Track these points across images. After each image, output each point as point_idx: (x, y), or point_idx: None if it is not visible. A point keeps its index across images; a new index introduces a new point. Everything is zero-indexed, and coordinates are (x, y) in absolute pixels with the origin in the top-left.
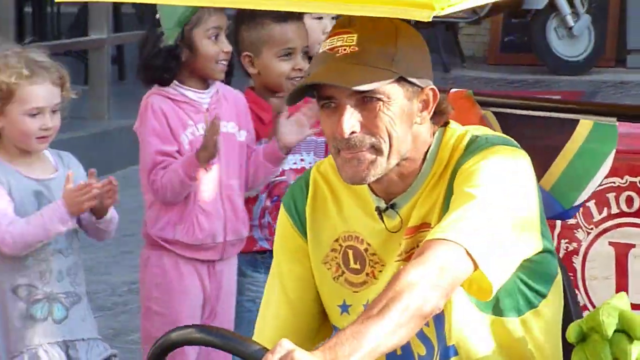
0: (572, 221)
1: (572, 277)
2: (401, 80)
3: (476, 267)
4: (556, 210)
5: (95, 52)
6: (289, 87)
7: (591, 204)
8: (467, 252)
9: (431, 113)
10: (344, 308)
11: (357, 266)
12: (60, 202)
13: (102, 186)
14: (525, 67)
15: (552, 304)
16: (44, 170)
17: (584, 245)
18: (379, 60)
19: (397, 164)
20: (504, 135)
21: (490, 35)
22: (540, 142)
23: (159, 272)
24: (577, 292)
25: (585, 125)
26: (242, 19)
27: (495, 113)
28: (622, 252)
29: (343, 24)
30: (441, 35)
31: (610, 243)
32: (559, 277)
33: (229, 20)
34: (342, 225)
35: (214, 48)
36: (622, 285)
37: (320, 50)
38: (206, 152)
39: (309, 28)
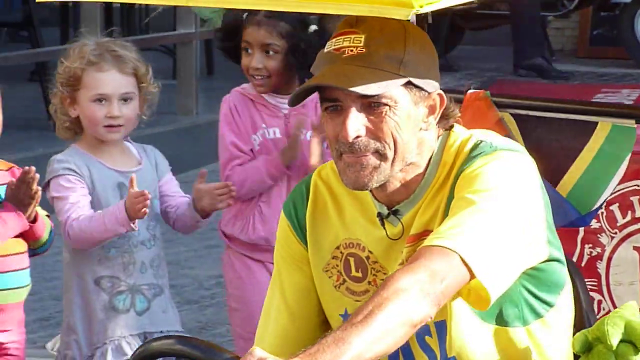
0: (595, 225)
1: (595, 283)
2: (409, 84)
3: (473, 275)
4: (572, 216)
5: (183, 46)
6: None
7: (614, 208)
8: (462, 259)
9: (437, 118)
10: (346, 317)
11: (359, 274)
12: (122, 204)
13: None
14: (614, 61)
15: (561, 314)
16: (127, 163)
17: (608, 250)
18: (386, 63)
19: (401, 170)
20: (510, 140)
21: (579, 29)
22: (559, 144)
23: (229, 268)
24: (602, 298)
25: (603, 127)
26: None
27: (513, 115)
28: None
29: (350, 22)
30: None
31: (635, 248)
32: (568, 287)
33: None
34: (343, 232)
35: None
36: None
37: (326, 50)
38: (290, 152)
39: None
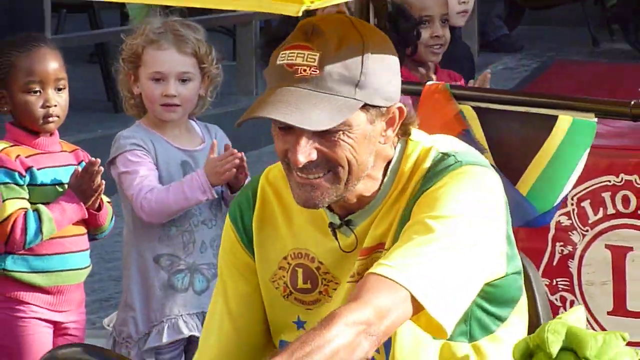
0: (566, 222)
1: (567, 283)
2: (365, 106)
3: (423, 309)
4: (531, 215)
5: (243, 27)
6: (430, 56)
7: (586, 204)
8: (412, 296)
9: (396, 130)
10: (300, 324)
11: (308, 285)
12: (201, 171)
13: (240, 158)
14: None
15: (513, 328)
16: (191, 142)
17: (580, 248)
18: (341, 87)
19: (363, 186)
20: (474, 152)
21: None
22: (519, 139)
23: None
24: (574, 298)
25: (564, 121)
26: None
27: (474, 108)
28: (619, 256)
29: (306, 32)
30: (589, 9)
31: (607, 246)
32: (523, 300)
33: None
34: (291, 241)
35: None
36: (620, 291)
37: (278, 62)
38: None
39: None
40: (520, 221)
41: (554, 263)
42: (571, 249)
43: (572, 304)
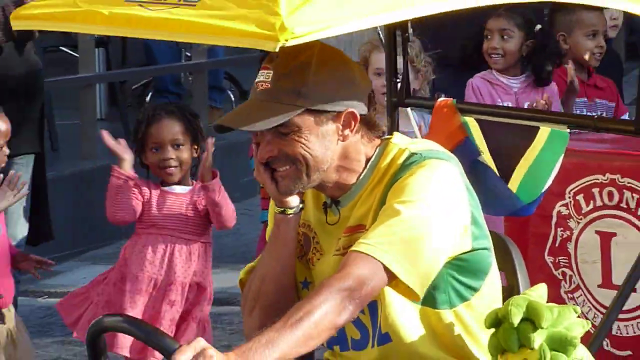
0: (565, 212)
1: (567, 261)
2: (308, 111)
3: (396, 277)
4: (518, 206)
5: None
6: (593, 62)
7: (580, 197)
8: (385, 267)
9: (354, 130)
10: (305, 285)
11: (304, 251)
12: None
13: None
14: None
15: (486, 297)
16: None
17: (575, 233)
18: (285, 96)
19: (336, 173)
20: (441, 149)
21: None
22: (510, 145)
23: None
24: (572, 273)
25: (544, 132)
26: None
27: (477, 120)
28: (606, 240)
29: (271, 57)
30: None
31: (596, 232)
32: (493, 273)
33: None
34: (304, 213)
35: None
36: (607, 269)
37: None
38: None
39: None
40: (510, 211)
41: (556, 245)
42: (569, 234)
43: (570, 278)
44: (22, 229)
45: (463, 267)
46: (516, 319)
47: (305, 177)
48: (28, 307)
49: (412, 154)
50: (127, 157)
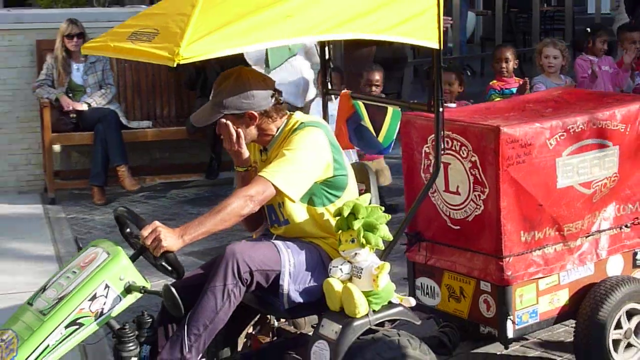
0: (428, 151)
1: (428, 177)
2: (227, 114)
3: (280, 190)
4: (382, 148)
5: None
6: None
7: (429, 145)
8: (273, 185)
9: (260, 119)
10: None
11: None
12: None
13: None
14: None
15: (344, 201)
16: None
17: (432, 162)
18: (216, 105)
19: (258, 136)
20: (315, 119)
21: None
22: (379, 117)
23: None
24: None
25: (390, 110)
26: None
27: (363, 102)
28: (445, 166)
29: (217, 80)
30: None
31: (443, 162)
32: (350, 187)
33: None
34: (252, 156)
35: None
36: (446, 181)
37: None
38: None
39: None
40: (378, 150)
41: (424, 167)
42: (429, 162)
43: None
44: None
45: (329, 184)
46: (345, 212)
47: (243, 140)
48: None
49: (301, 123)
50: None
